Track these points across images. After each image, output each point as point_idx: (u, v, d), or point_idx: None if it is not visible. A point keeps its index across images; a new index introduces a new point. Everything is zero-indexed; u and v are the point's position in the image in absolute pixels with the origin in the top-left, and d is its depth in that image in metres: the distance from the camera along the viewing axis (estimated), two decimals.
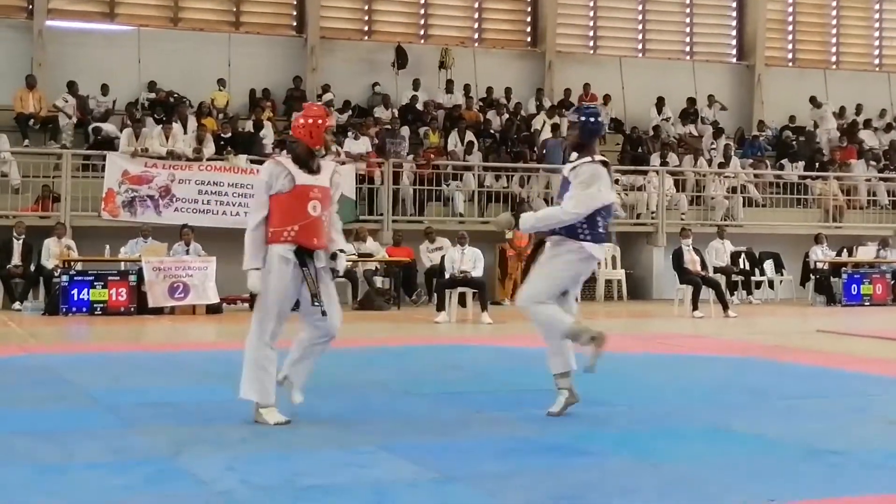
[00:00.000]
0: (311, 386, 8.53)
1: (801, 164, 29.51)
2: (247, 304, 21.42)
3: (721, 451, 7.47)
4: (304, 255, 8.28)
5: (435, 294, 19.54)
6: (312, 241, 8.33)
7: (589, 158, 8.89)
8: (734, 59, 33.46)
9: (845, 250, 25.68)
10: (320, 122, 8.32)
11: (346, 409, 8.50)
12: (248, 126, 25.18)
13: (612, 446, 7.58)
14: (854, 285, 24.28)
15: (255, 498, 5.97)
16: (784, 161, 29.88)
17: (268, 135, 25.05)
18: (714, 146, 29.44)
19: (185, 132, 24.01)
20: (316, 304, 8.26)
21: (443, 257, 20.24)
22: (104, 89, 25.64)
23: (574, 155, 9.07)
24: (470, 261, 19.45)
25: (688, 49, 33.08)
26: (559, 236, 8.68)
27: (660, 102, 30.47)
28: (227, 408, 9.20)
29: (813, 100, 31.90)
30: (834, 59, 34.53)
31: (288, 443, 7.55)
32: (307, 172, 8.30)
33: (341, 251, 8.62)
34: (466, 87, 29.03)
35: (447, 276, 19.37)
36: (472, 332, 17.61)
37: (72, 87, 25.17)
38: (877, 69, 34.43)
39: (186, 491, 6.17)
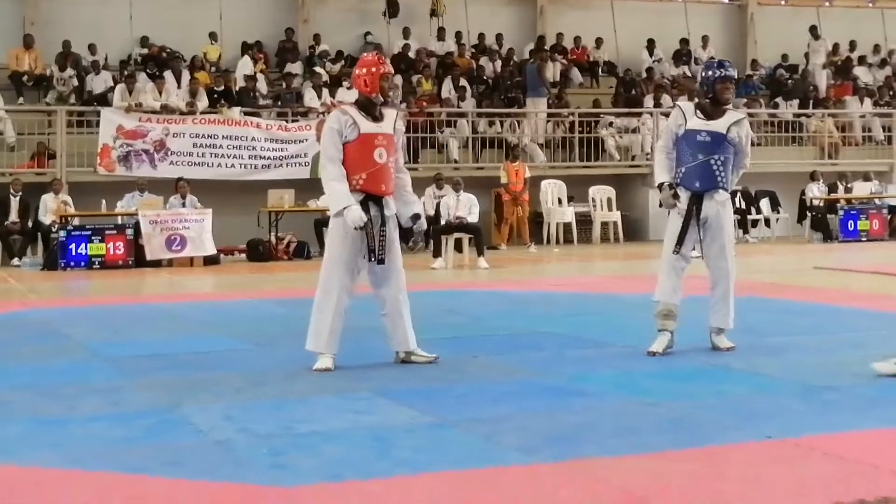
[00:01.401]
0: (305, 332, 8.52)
1: (796, 102, 29.43)
2: (243, 255, 21.50)
3: (718, 389, 7.52)
4: (371, 202, 8.28)
5: (431, 240, 19.56)
6: (380, 187, 8.41)
7: (741, 113, 9.58)
8: (726, 0, 33.24)
9: (838, 185, 25.55)
10: (374, 70, 8.39)
11: (342, 356, 8.52)
12: (241, 79, 25.06)
13: (609, 387, 7.63)
14: (850, 221, 24.31)
15: (253, 445, 6.02)
16: (778, 100, 29.79)
17: (261, 87, 24.97)
18: None
19: (179, 86, 23.94)
20: (372, 258, 8.33)
21: (438, 203, 20.23)
22: (92, 49, 25.47)
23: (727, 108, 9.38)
24: (465, 206, 19.46)
25: None
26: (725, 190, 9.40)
27: (650, 45, 30.31)
28: (224, 358, 9.28)
29: (813, 30, 31.61)
30: None
31: (285, 391, 7.60)
32: (371, 120, 8.35)
33: (417, 216, 8.78)
34: (458, 35, 28.89)
35: (443, 221, 19.38)
36: (469, 278, 17.65)
37: (66, 46, 25.01)
38: (870, 5, 34.11)
39: (186, 441, 6.22)
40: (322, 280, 8.41)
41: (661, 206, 9.46)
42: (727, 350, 9.17)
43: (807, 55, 31.44)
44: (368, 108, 8.44)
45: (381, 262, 8.37)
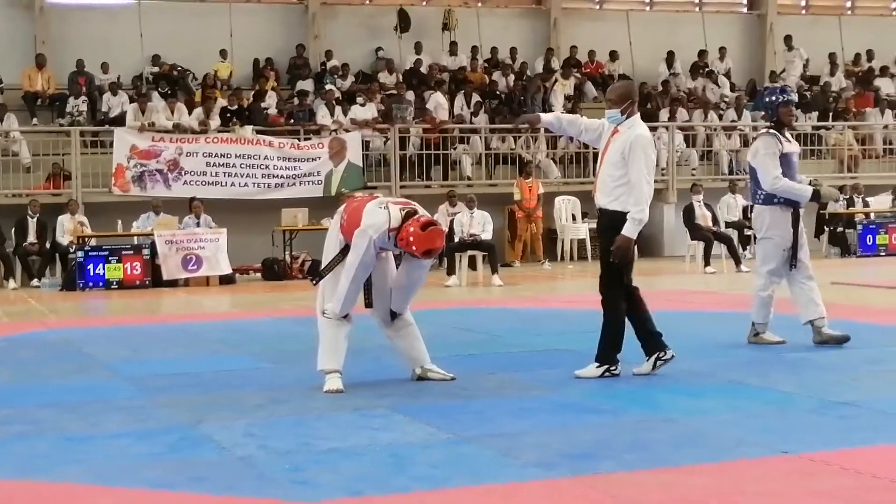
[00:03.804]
0: None
1: (815, 114, 29.05)
2: (258, 274, 21.57)
3: (733, 405, 7.54)
4: None
5: (445, 258, 19.61)
6: None
7: None
8: (745, 9, 32.83)
9: (855, 198, 25.34)
10: (421, 249, 8.13)
11: (359, 373, 8.61)
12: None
13: (625, 403, 7.68)
14: (869, 236, 24.10)
15: (274, 462, 6.09)
16: (797, 112, 29.52)
17: (270, 104, 25.05)
18: (727, 99, 29.15)
19: (191, 106, 24.03)
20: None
21: (451, 221, 20.27)
22: (104, 67, 25.57)
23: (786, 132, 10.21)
24: (479, 224, 19.49)
25: (697, 0, 32.68)
26: None
27: (669, 57, 30.09)
28: (244, 376, 9.36)
29: (787, 40, 31.15)
30: (848, 4, 33.81)
31: (304, 408, 7.67)
32: None
33: None
34: (474, 49, 28.81)
35: (456, 239, 19.42)
36: (483, 295, 17.70)
37: (80, 65, 25.12)
38: (893, 13, 33.85)
39: (208, 457, 6.31)
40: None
41: (824, 204, 10.18)
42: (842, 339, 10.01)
43: (781, 72, 30.83)
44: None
45: (368, 305, 8.52)
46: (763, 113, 27.97)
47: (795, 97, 10.23)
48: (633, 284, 8.80)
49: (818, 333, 10.09)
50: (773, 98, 10.20)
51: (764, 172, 10.01)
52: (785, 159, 9.90)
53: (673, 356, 8.74)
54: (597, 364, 8.66)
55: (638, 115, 8.77)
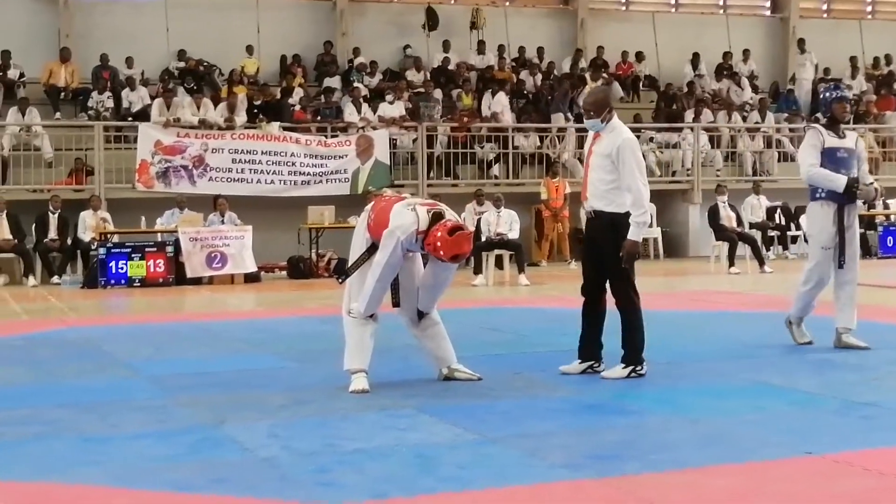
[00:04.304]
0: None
1: None
2: (284, 272, 21.55)
3: (758, 405, 7.52)
4: None
5: (472, 257, 19.56)
6: None
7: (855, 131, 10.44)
8: (768, 12, 32.97)
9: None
10: (450, 253, 8.11)
11: (385, 373, 8.57)
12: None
13: (651, 404, 7.65)
14: (890, 237, 24.11)
15: (298, 464, 6.05)
16: (819, 114, 29.39)
17: (296, 101, 25.04)
18: (752, 100, 29.11)
19: (216, 102, 24.03)
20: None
21: (479, 220, 20.22)
22: (129, 62, 25.55)
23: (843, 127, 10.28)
24: (506, 223, 19.45)
25: (721, 2, 32.66)
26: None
27: (695, 58, 30.08)
28: (268, 375, 9.32)
29: (800, 43, 31.09)
30: (870, 8, 33.97)
31: (328, 408, 7.63)
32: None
33: None
34: (501, 49, 28.80)
35: (483, 238, 19.37)
36: (510, 295, 17.66)
37: (104, 59, 25.13)
38: None
39: (231, 458, 6.26)
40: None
41: (863, 201, 10.32)
42: (863, 348, 9.93)
43: (793, 77, 30.94)
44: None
45: (396, 305, 8.51)
46: (786, 115, 28.31)
47: (849, 94, 10.35)
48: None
49: (839, 339, 10.08)
50: (828, 94, 10.37)
51: (801, 162, 10.13)
52: (829, 154, 9.90)
53: (595, 369, 8.84)
54: (622, 365, 8.68)
55: (616, 118, 8.90)
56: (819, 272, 10.09)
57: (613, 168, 8.59)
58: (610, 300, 8.86)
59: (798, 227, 25.27)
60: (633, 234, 8.57)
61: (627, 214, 8.60)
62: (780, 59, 32.13)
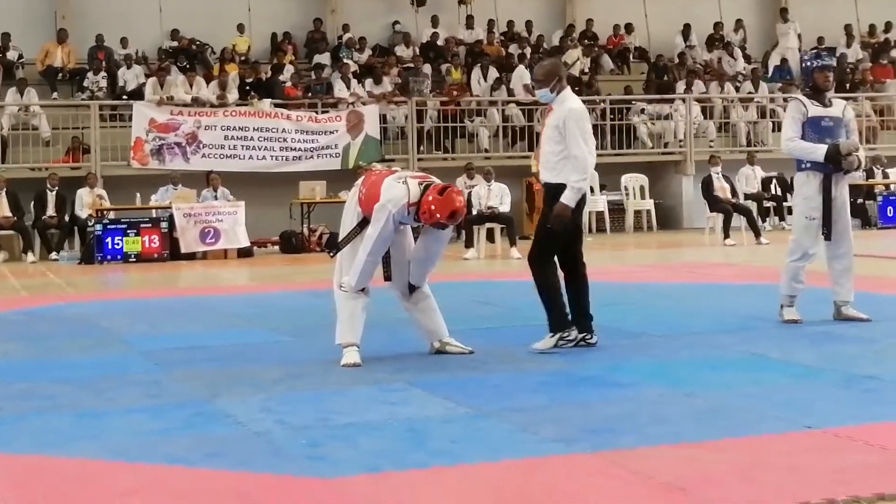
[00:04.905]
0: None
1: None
2: (276, 247, 21.56)
3: (756, 379, 7.47)
4: None
5: (463, 231, 19.55)
6: None
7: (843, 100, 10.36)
8: None
9: (875, 169, 25.08)
10: (441, 215, 8.08)
11: (377, 347, 8.56)
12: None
13: (645, 377, 7.61)
14: (890, 207, 23.98)
15: (291, 437, 6.04)
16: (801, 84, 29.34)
17: (287, 78, 25.01)
18: (745, 70, 28.98)
19: (209, 80, 24.07)
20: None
21: (469, 194, 20.19)
22: (124, 42, 25.61)
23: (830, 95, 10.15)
24: (497, 196, 19.46)
25: None
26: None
27: (686, 30, 29.93)
28: (261, 350, 9.33)
29: (783, 12, 30.86)
30: None
31: (321, 382, 7.64)
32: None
33: None
34: (490, 23, 28.74)
35: (474, 212, 19.36)
36: (502, 268, 17.67)
37: (99, 39, 25.21)
38: None
39: (225, 432, 6.26)
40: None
41: (844, 171, 9.85)
42: (864, 320, 9.84)
43: (775, 45, 30.66)
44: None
45: (388, 279, 8.52)
46: (779, 85, 28.20)
47: (832, 62, 10.26)
48: (582, 260, 8.90)
49: (838, 312, 10.05)
50: (809, 63, 10.28)
51: (782, 135, 10.08)
52: (814, 123, 9.80)
53: (587, 342, 8.75)
54: (550, 334, 8.66)
55: (568, 89, 8.84)
56: (803, 243, 9.98)
57: (562, 139, 8.56)
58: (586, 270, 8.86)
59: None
60: (566, 198, 8.48)
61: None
62: (773, 28, 31.81)
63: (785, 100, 27.06)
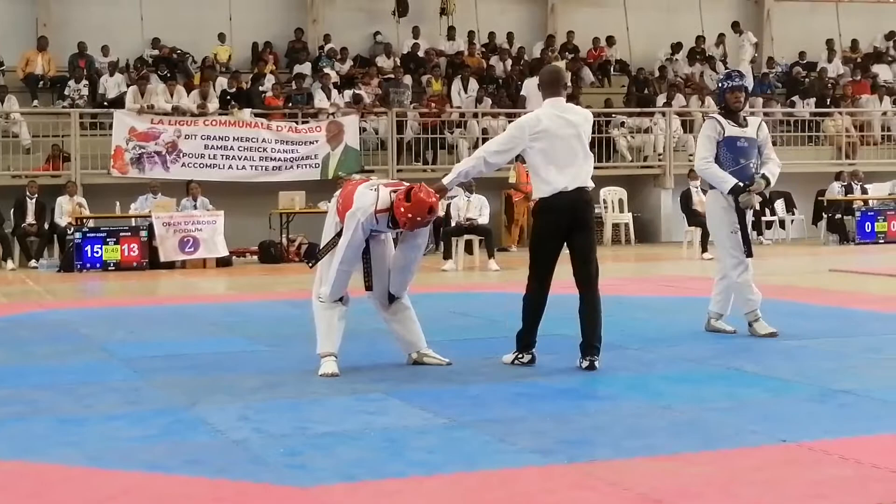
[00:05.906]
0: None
1: (812, 100, 28.87)
2: (255, 257, 21.56)
3: (732, 392, 7.51)
4: None
5: (441, 242, 19.56)
6: None
7: (759, 118, 10.60)
8: None
9: (853, 185, 25.15)
10: (419, 219, 8.21)
11: (355, 358, 8.58)
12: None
13: (622, 390, 7.66)
14: (868, 223, 23.94)
15: (269, 446, 6.07)
16: (795, 98, 29.35)
17: (268, 87, 25.01)
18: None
19: (190, 89, 24.05)
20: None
21: (448, 205, 20.23)
22: (105, 50, 25.59)
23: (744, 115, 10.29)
24: (476, 208, 19.47)
25: None
26: None
27: (669, 44, 29.99)
28: (239, 359, 9.34)
29: (735, 25, 30.85)
30: None
31: (299, 391, 7.66)
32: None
33: None
34: (471, 34, 28.76)
35: (453, 223, 19.38)
36: (480, 280, 17.68)
37: (81, 47, 25.16)
38: (890, 0, 33.66)
39: (203, 440, 6.29)
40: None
41: (744, 207, 9.94)
42: (729, 332, 10.15)
43: (723, 58, 30.59)
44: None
45: (368, 288, 8.53)
46: (761, 99, 28.27)
47: (744, 82, 10.34)
48: (590, 284, 9.03)
49: (707, 323, 10.36)
50: (721, 84, 10.33)
51: (696, 154, 10.33)
52: (729, 143, 9.89)
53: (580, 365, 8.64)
54: (515, 349, 8.77)
55: (550, 100, 8.94)
56: (736, 255, 10.01)
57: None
58: (556, 285, 8.94)
59: (773, 213, 25.37)
60: (447, 177, 8.76)
61: (543, 200, 8.88)
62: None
63: (766, 114, 27.26)
